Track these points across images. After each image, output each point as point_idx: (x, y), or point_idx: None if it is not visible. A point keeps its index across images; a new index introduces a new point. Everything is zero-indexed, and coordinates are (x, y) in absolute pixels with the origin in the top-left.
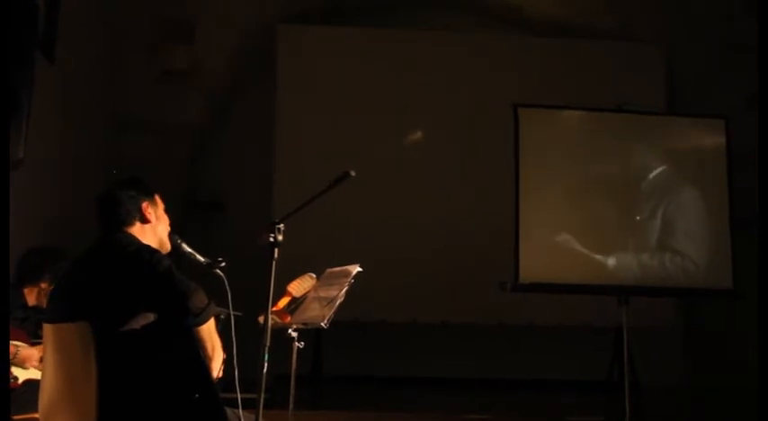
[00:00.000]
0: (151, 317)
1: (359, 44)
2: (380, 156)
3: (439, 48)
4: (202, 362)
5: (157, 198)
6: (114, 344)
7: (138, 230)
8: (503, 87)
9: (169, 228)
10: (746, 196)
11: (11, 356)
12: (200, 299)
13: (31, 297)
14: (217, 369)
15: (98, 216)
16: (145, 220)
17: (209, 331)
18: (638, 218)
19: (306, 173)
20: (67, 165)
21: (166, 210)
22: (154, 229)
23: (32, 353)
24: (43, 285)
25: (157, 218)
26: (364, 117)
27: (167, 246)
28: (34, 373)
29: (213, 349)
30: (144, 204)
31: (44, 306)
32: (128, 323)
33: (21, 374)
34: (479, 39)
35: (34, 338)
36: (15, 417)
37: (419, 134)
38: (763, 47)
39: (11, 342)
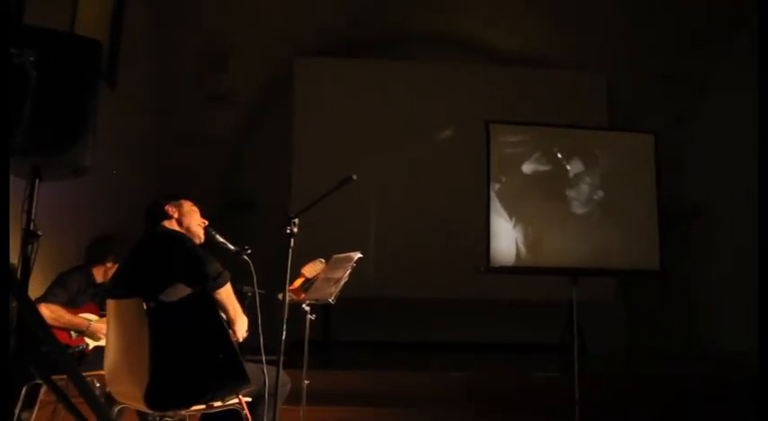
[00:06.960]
0: (185, 289)
1: (364, 74)
2: (381, 166)
3: (425, 76)
4: (225, 329)
5: (182, 202)
6: (160, 314)
7: (167, 224)
8: (479, 108)
9: (202, 221)
10: (673, 197)
11: (84, 328)
12: (215, 267)
13: (99, 275)
14: (242, 331)
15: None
16: (168, 216)
17: (227, 294)
18: (584, 213)
19: (318, 178)
20: (126, 172)
21: (201, 210)
22: (179, 222)
23: (101, 326)
24: (108, 264)
25: (181, 214)
26: (367, 133)
27: (197, 236)
28: (101, 343)
29: (235, 312)
30: (167, 207)
31: None
32: (167, 294)
33: (91, 343)
34: (464, 68)
35: (102, 310)
36: (86, 374)
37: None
38: (764, 50)
39: (84, 315)
